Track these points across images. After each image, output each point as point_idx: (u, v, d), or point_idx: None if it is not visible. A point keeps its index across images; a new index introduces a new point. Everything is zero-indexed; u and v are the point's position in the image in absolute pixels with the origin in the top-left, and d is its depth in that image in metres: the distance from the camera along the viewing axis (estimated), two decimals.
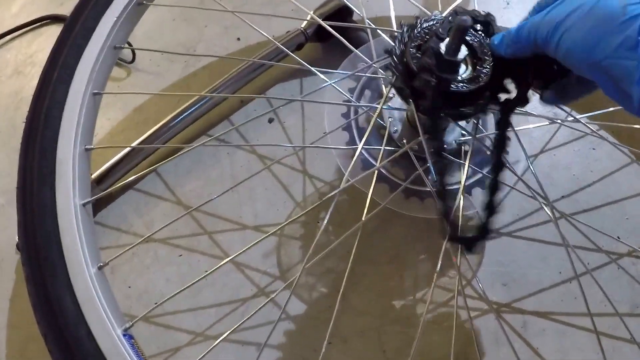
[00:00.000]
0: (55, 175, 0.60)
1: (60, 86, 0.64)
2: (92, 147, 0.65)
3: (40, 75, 0.65)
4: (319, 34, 0.91)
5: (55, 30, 1.11)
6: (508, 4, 0.98)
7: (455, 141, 0.69)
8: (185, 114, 0.84)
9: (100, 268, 0.58)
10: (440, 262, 0.60)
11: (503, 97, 0.57)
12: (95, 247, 0.60)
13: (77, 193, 0.60)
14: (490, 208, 0.54)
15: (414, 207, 0.69)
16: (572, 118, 0.70)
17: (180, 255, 0.79)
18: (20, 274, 0.82)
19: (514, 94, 0.57)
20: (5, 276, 0.83)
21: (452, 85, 0.54)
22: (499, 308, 0.73)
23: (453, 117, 0.58)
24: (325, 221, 0.63)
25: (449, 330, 0.70)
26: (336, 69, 0.74)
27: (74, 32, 0.66)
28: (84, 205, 0.61)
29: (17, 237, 0.77)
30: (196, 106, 0.85)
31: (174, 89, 0.95)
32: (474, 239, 0.55)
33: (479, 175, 0.69)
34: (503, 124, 0.56)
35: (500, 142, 0.56)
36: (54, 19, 1.11)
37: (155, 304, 0.64)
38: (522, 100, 0.55)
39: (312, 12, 0.85)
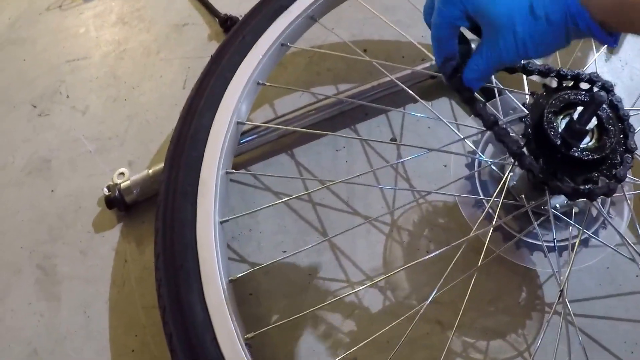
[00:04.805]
0: (197, 193, 0.66)
1: (206, 113, 0.70)
2: (232, 171, 0.71)
3: (187, 100, 0.72)
4: None
5: None
6: (627, 63, 0.95)
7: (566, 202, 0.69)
8: (313, 112, 0.85)
9: (231, 281, 0.63)
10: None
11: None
12: (227, 262, 0.65)
13: (217, 211, 0.65)
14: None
15: (523, 257, 0.71)
16: None
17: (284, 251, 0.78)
18: (97, 226, 0.81)
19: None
20: (82, 226, 0.81)
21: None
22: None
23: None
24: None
25: None
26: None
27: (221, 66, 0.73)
28: (221, 222, 0.66)
29: (104, 189, 0.79)
30: (323, 109, 0.86)
31: (296, 83, 0.93)
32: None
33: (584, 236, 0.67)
34: None
35: None
36: None
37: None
38: None
39: None
